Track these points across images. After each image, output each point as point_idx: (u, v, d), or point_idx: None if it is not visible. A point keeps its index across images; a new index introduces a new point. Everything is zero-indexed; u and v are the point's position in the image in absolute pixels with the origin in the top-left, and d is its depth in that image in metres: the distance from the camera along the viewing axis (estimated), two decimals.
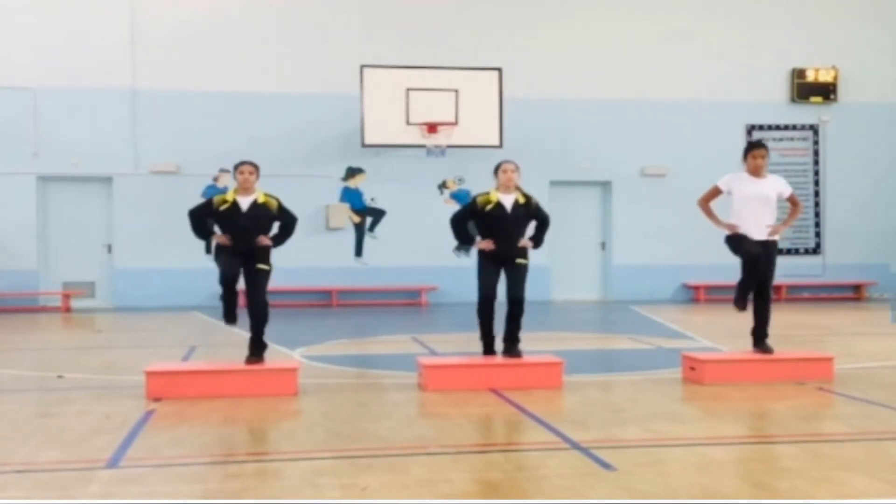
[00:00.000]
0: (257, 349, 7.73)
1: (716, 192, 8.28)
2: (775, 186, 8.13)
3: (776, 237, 8.12)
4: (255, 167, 7.76)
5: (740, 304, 8.14)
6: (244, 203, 7.64)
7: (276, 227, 7.85)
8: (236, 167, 7.80)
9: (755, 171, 8.11)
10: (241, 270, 7.66)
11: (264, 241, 7.66)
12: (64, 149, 16.58)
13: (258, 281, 7.66)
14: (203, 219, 7.81)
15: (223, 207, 7.65)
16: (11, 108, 16.48)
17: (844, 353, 9.43)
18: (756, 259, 7.90)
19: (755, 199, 8.01)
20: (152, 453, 5.43)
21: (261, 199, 7.70)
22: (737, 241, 8.06)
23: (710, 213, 8.27)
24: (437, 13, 17.59)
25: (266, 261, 7.70)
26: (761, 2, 18.42)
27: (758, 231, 8.02)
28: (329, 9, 17.37)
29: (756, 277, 7.99)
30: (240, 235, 7.60)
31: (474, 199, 8.10)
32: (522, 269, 7.92)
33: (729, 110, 18.18)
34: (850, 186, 18.59)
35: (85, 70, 16.53)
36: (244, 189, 7.69)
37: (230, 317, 7.83)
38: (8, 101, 16.48)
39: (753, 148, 8.17)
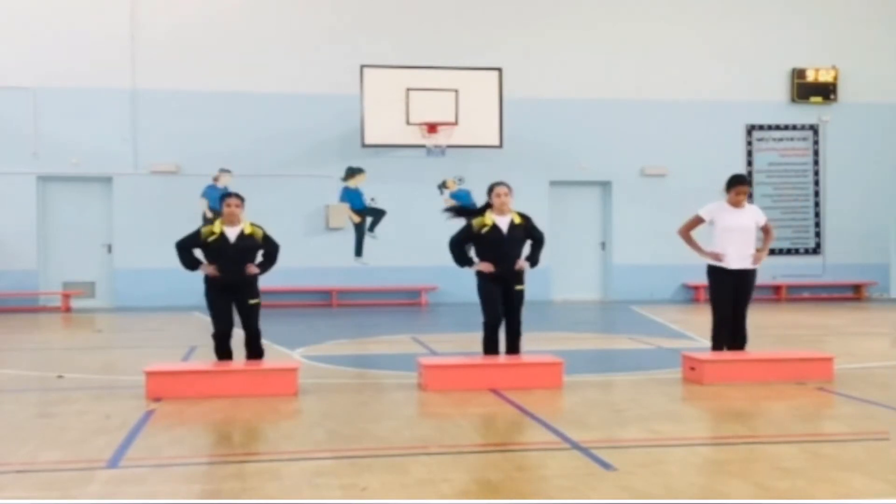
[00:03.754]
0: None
1: (697, 221, 8.59)
2: (754, 216, 8.46)
3: (757, 265, 8.38)
4: (242, 199, 7.99)
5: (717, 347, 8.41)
6: (231, 234, 7.87)
7: (260, 256, 8.06)
8: (223, 199, 8.02)
9: (737, 205, 8.41)
10: (233, 307, 7.97)
11: (252, 269, 7.90)
12: (64, 149, 16.57)
13: (252, 316, 7.98)
14: (190, 250, 8.02)
15: (211, 239, 7.89)
16: (11, 108, 16.47)
17: (844, 353, 9.43)
18: (726, 319, 8.28)
19: (737, 230, 8.32)
20: (152, 453, 5.43)
21: (248, 230, 7.92)
22: (714, 287, 8.38)
23: (691, 242, 8.62)
24: (437, 13, 17.58)
25: (256, 294, 7.99)
26: (761, 2, 18.42)
27: (740, 260, 8.30)
28: (329, 9, 17.36)
29: (726, 330, 8.31)
30: (228, 267, 7.84)
31: (470, 224, 8.23)
32: (520, 297, 8.14)
33: (729, 110, 18.18)
34: (850, 186, 18.59)
35: (85, 70, 16.52)
36: (230, 221, 7.90)
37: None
38: (8, 101, 16.47)
39: (738, 184, 8.42)
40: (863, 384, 7.69)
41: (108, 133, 16.71)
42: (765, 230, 8.60)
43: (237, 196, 7.98)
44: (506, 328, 8.16)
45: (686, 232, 8.60)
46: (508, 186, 8.19)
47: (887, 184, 18.70)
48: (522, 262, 8.12)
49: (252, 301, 7.94)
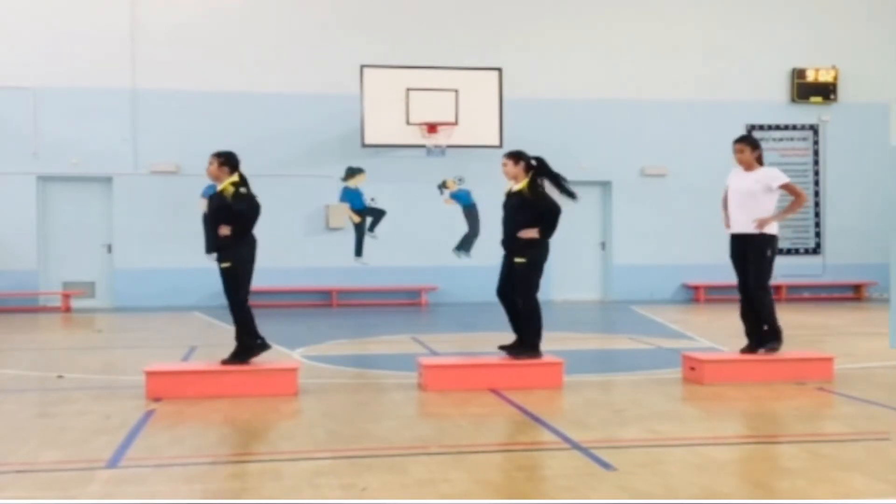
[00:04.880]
0: (237, 351, 7.59)
1: (726, 188, 8.38)
2: (762, 178, 8.04)
3: (763, 231, 7.90)
4: (217, 156, 7.54)
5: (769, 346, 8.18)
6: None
7: None
8: None
9: (745, 167, 8.16)
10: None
11: (223, 231, 7.37)
12: (64, 149, 16.56)
13: (223, 281, 7.47)
14: None
15: None
16: (11, 108, 16.46)
17: (844, 353, 9.43)
18: (742, 289, 8.14)
19: (738, 192, 8.10)
20: (152, 453, 5.43)
21: (220, 187, 7.52)
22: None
23: (724, 210, 8.38)
24: (437, 13, 17.58)
25: (227, 258, 7.41)
26: (761, 2, 18.42)
27: (740, 225, 8.05)
28: (329, 9, 17.36)
29: (752, 306, 8.14)
30: (207, 227, 7.63)
31: None
32: (519, 270, 7.73)
33: (729, 110, 18.17)
34: (850, 186, 18.59)
35: (85, 70, 16.51)
36: (213, 180, 7.62)
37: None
38: (8, 101, 16.46)
39: (734, 143, 8.23)
40: (863, 384, 7.69)
41: (108, 133, 16.71)
42: (787, 190, 8.06)
43: (214, 154, 7.58)
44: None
45: (724, 200, 8.36)
46: (510, 155, 7.93)
47: (887, 184, 18.67)
48: (527, 232, 7.70)
49: (222, 264, 7.42)
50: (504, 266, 7.90)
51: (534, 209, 7.77)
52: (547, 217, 7.77)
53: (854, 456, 5.26)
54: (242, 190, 7.44)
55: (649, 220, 17.87)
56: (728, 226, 8.23)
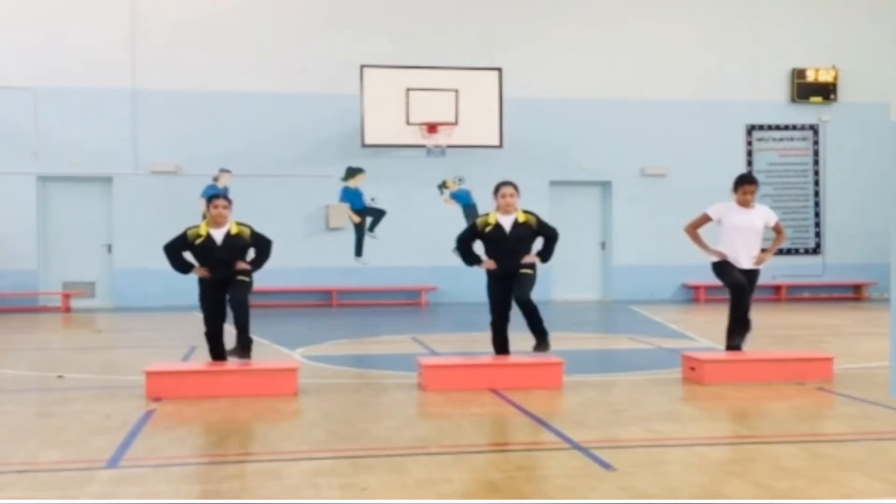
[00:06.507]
0: (241, 344, 7.88)
1: (705, 219, 8.57)
2: (763, 216, 8.46)
3: (761, 266, 8.41)
4: (230, 201, 7.99)
5: (735, 342, 8.38)
6: (218, 236, 7.87)
7: (252, 253, 8.04)
8: (210, 200, 8.03)
9: (744, 204, 8.41)
10: (225, 303, 7.93)
11: (242, 265, 7.87)
12: (64, 149, 16.56)
13: (239, 287, 7.84)
14: (179, 253, 8.00)
15: (198, 241, 7.89)
16: (11, 108, 16.46)
17: (844, 353, 9.43)
18: (742, 288, 8.23)
19: (745, 229, 8.32)
20: (152, 453, 5.43)
21: (233, 231, 7.90)
22: (723, 270, 8.38)
23: (698, 240, 8.59)
24: (437, 13, 17.58)
25: (247, 274, 7.90)
26: (761, 2, 18.42)
27: (746, 260, 8.33)
28: (329, 9, 17.36)
29: (743, 307, 8.30)
30: (217, 267, 7.85)
31: (475, 222, 8.30)
32: (526, 277, 8.01)
33: (729, 110, 18.18)
34: (850, 186, 18.59)
35: (85, 70, 16.52)
36: (216, 222, 7.89)
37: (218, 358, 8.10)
38: (8, 101, 16.46)
39: (745, 183, 8.44)
40: (863, 384, 7.69)
41: (108, 133, 16.71)
42: (776, 230, 8.61)
43: (225, 198, 8.00)
44: (517, 305, 8.04)
45: (693, 229, 8.57)
46: (515, 187, 8.14)
47: (887, 184, 18.67)
48: (532, 257, 8.07)
49: (241, 277, 7.83)
50: (501, 294, 8.06)
51: (538, 235, 8.16)
52: (554, 242, 8.25)
53: (854, 456, 5.26)
54: (256, 230, 8.01)
55: (649, 220, 17.87)
56: (720, 257, 8.32)
